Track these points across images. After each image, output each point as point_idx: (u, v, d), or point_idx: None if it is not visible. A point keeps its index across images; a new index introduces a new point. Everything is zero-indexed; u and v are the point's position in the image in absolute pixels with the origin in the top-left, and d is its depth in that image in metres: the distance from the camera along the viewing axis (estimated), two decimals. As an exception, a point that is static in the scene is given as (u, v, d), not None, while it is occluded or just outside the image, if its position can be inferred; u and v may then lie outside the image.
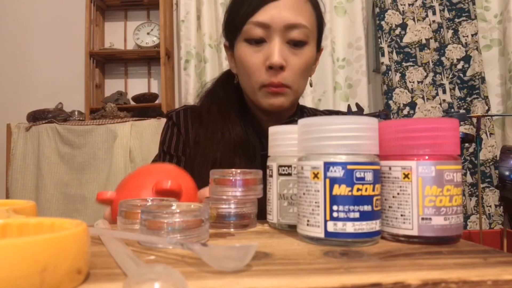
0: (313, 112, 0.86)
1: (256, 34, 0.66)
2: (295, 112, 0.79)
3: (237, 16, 0.69)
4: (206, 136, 0.72)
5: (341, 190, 0.34)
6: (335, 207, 0.34)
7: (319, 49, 0.76)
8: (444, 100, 1.85)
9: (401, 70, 1.86)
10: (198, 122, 0.75)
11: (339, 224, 0.34)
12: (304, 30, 0.66)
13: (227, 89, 0.78)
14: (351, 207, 0.34)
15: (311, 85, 0.77)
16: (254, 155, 0.72)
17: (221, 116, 0.73)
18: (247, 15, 0.66)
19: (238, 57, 0.71)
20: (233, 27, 0.70)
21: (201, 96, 0.81)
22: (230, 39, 0.74)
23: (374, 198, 0.35)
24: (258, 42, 0.67)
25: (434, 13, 1.88)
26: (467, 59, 1.84)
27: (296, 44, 0.67)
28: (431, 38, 1.87)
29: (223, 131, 0.71)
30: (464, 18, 1.86)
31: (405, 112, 1.84)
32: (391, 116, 1.72)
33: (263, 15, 0.65)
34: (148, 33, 2.13)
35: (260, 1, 0.66)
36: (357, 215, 0.34)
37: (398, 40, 1.88)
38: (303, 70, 0.69)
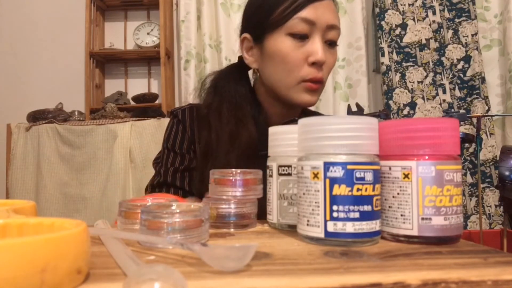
0: (313, 113, 0.87)
1: (301, 29, 0.68)
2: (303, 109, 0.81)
3: (276, 10, 0.69)
4: (218, 140, 0.71)
5: (341, 190, 0.34)
6: (335, 207, 0.34)
7: None
8: (444, 100, 1.84)
9: (401, 70, 1.86)
10: (206, 123, 0.73)
11: (339, 224, 0.34)
12: (338, 31, 0.71)
13: (236, 85, 0.76)
14: (351, 207, 0.34)
15: None
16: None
17: (234, 117, 0.72)
18: (293, 10, 0.67)
19: (275, 51, 0.69)
20: (268, 21, 0.70)
21: (204, 92, 0.78)
22: (256, 32, 0.73)
23: (374, 198, 0.35)
24: (301, 37, 0.68)
25: (434, 13, 1.88)
26: (467, 59, 1.84)
27: (331, 44, 0.71)
28: (431, 38, 1.87)
29: (238, 135, 0.70)
30: (464, 18, 1.86)
31: (405, 112, 1.84)
32: (391, 116, 1.72)
33: (310, 12, 0.67)
34: (148, 33, 2.13)
35: None
36: (357, 215, 0.34)
37: (398, 40, 1.88)
38: (333, 68, 0.73)
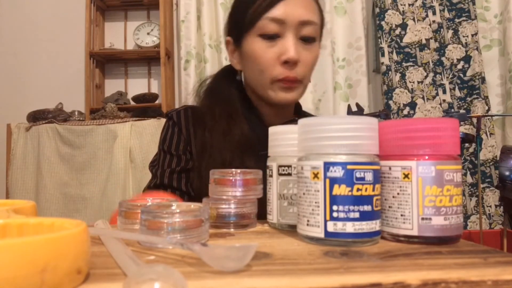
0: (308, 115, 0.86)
1: (271, 29, 0.67)
2: (296, 107, 0.81)
3: (248, 11, 0.69)
4: (212, 138, 0.71)
5: (341, 190, 0.34)
6: (335, 207, 0.34)
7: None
8: (444, 100, 1.84)
9: (401, 70, 1.86)
10: (201, 123, 0.74)
11: (339, 224, 0.34)
12: (314, 26, 0.69)
13: (229, 87, 0.77)
14: (351, 207, 0.34)
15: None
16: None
17: (226, 115, 0.73)
18: (262, 10, 0.67)
19: (249, 52, 0.71)
20: (243, 23, 0.70)
21: (201, 95, 0.80)
22: (235, 34, 0.74)
23: (374, 198, 0.35)
24: (272, 37, 0.68)
25: (434, 13, 1.88)
26: (467, 59, 1.83)
27: (307, 40, 0.69)
28: (431, 38, 1.87)
29: (230, 132, 0.71)
30: (464, 18, 1.86)
31: (405, 112, 1.84)
32: (391, 116, 1.72)
33: (279, 11, 0.67)
34: (148, 33, 2.13)
35: None
36: (357, 215, 0.34)
37: (398, 40, 1.88)
38: (313, 65, 0.72)
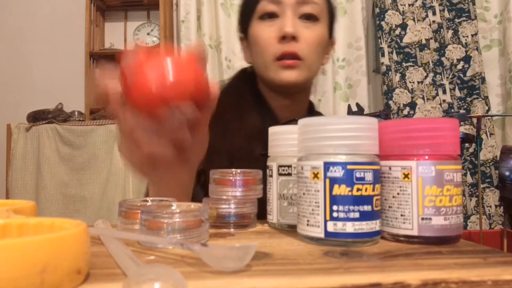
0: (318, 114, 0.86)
1: (268, 9, 0.69)
2: (309, 104, 0.80)
3: (250, 0, 0.72)
4: (221, 127, 0.70)
5: (341, 190, 0.34)
6: (335, 207, 0.34)
7: (331, 35, 0.77)
8: (444, 100, 1.84)
9: (401, 70, 1.86)
10: (214, 120, 0.74)
11: (339, 224, 0.34)
12: (315, 6, 0.69)
13: (242, 84, 0.78)
14: (351, 207, 0.34)
15: (323, 73, 0.78)
16: None
17: (235, 105, 0.72)
18: None
19: (252, 37, 0.72)
20: (248, 10, 0.73)
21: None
22: (244, 28, 0.75)
23: (374, 198, 0.35)
24: (270, 16, 0.69)
25: (434, 13, 1.88)
26: (467, 59, 1.84)
27: (308, 18, 0.70)
28: (431, 38, 1.87)
29: (239, 120, 0.70)
30: (464, 18, 1.86)
31: (405, 112, 1.84)
32: (391, 116, 1.72)
33: None
34: (148, 34, 2.13)
35: None
36: (357, 215, 0.34)
37: (398, 40, 1.88)
38: (316, 44, 0.70)
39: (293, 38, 0.67)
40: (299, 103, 0.77)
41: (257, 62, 0.73)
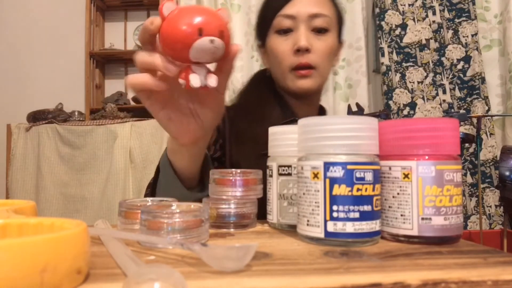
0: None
1: (284, 24, 0.76)
2: (320, 107, 0.87)
3: (268, 12, 0.79)
4: (247, 118, 0.76)
5: (341, 190, 0.34)
6: (335, 207, 0.34)
7: (340, 40, 0.85)
8: (444, 101, 1.84)
9: (401, 71, 1.86)
10: (237, 116, 0.78)
11: (339, 224, 0.34)
12: (325, 18, 0.76)
13: (262, 83, 0.84)
14: (351, 207, 0.34)
15: (335, 74, 0.82)
16: None
17: (259, 100, 0.80)
18: (276, 9, 0.77)
19: (270, 48, 0.79)
20: (265, 24, 0.80)
21: (234, 97, 0.85)
22: (262, 37, 0.82)
23: (374, 198, 0.35)
24: (286, 31, 0.76)
25: (434, 13, 1.88)
26: (467, 59, 1.83)
27: (319, 31, 0.76)
28: (431, 38, 1.87)
29: (263, 113, 0.77)
30: (464, 18, 1.86)
31: (405, 112, 1.84)
32: (391, 116, 1.72)
33: (290, 8, 0.75)
34: (148, 33, 2.13)
35: None
36: (357, 215, 0.34)
37: (398, 41, 1.88)
38: (328, 53, 0.77)
39: (307, 50, 0.74)
40: (313, 103, 0.84)
41: (275, 71, 0.80)
